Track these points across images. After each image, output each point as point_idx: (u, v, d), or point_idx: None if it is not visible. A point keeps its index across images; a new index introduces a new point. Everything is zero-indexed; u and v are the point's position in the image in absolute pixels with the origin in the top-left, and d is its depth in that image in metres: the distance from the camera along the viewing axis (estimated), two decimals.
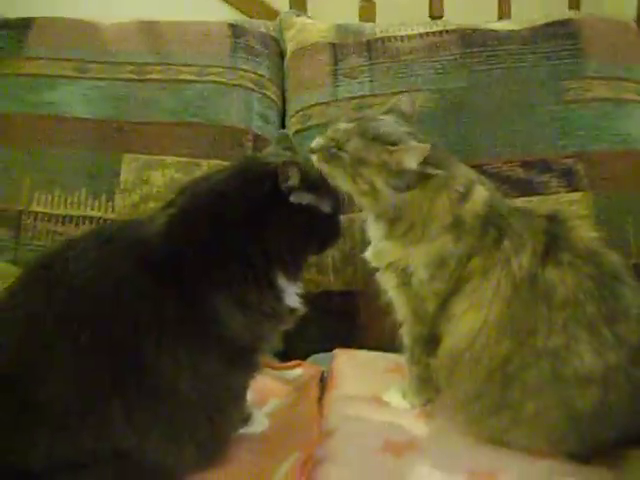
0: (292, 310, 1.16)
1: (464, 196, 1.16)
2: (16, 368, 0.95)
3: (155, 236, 1.06)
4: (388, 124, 1.19)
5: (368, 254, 1.25)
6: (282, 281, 1.11)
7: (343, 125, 1.20)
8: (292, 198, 1.08)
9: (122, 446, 0.95)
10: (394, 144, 1.14)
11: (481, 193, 1.18)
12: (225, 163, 1.63)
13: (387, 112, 1.25)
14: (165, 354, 0.98)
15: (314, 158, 1.17)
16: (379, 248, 1.22)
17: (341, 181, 1.17)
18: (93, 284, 0.99)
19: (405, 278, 1.18)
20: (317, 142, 1.19)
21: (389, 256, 1.20)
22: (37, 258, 1.10)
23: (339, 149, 1.16)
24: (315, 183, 1.12)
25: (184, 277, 1.02)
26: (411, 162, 1.13)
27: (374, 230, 1.23)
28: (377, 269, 1.25)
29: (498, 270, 1.11)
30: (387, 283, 1.23)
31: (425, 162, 1.14)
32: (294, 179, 1.07)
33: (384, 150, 1.14)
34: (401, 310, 1.23)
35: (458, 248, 1.14)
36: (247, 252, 1.07)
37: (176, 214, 1.09)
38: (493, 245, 1.13)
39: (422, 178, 1.15)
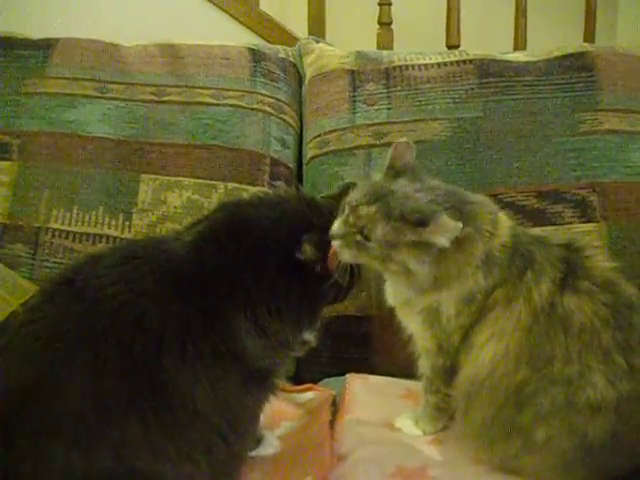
0: (304, 342, 1.17)
1: (493, 233, 1.15)
2: (35, 383, 0.95)
3: (182, 253, 1.07)
4: (408, 197, 1.11)
5: (392, 300, 1.24)
6: (299, 321, 1.13)
7: (364, 210, 1.12)
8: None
9: (137, 465, 0.95)
10: (423, 223, 1.08)
11: (506, 223, 1.19)
12: (241, 186, 1.66)
13: (390, 170, 1.18)
14: (185, 371, 0.99)
15: (335, 244, 1.13)
16: (407, 298, 1.20)
17: (369, 265, 1.16)
18: (116, 299, 0.99)
19: (434, 317, 1.18)
20: (338, 228, 1.13)
21: (419, 305, 1.18)
22: (58, 273, 1.11)
23: (365, 237, 1.11)
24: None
25: (208, 296, 1.03)
26: (444, 241, 1.07)
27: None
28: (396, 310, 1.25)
29: (520, 300, 1.12)
30: (412, 322, 1.23)
31: None
32: (307, 254, 1.10)
33: (414, 232, 1.08)
34: (424, 345, 1.23)
35: (488, 282, 1.14)
36: (269, 289, 1.08)
37: (205, 233, 1.10)
38: (517, 275, 1.13)
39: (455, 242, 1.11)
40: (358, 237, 1.12)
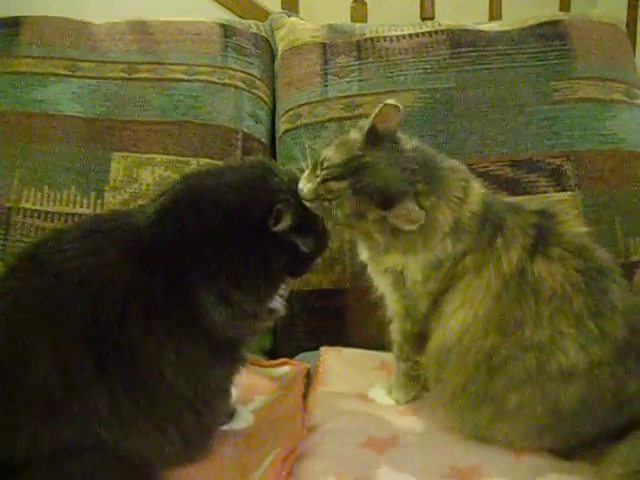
0: (272, 310, 1.17)
1: (462, 200, 1.15)
2: (0, 355, 0.95)
3: (144, 225, 1.07)
4: (380, 173, 1.11)
5: (363, 255, 1.24)
6: (259, 290, 1.12)
7: (334, 185, 1.11)
8: (278, 232, 1.09)
9: (106, 436, 0.95)
10: (390, 204, 1.08)
11: (479, 191, 1.18)
12: (214, 162, 1.65)
13: (371, 133, 1.14)
14: (150, 340, 0.99)
15: (306, 202, 1.13)
16: (375, 256, 1.21)
17: (333, 227, 1.16)
18: (78, 272, 0.99)
19: (400, 279, 1.18)
20: (307, 189, 1.12)
21: (386, 263, 1.19)
22: (24, 248, 1.11)
23: (332, 206, 1.12)
24: (304, 226, 1.13)
25: (171, 266, 1.03)
26: (406, 227, 1.09)
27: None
28: (366, 265, 1.25)
29: (490, 267, 1.11)
30: (380, 281, 1.23)
31: (419, 196, 1.10)
32: (284, 225, 1.09)
33: (380, 212, 1.09)
34: (393, 307, 1.23)
35: (456, 249, 1.14)
36: (230, 258, 1.07)
37: (166, 204, 1.10)
38: (487, 242, 1.13)
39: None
40: (326, 204, 1.12)
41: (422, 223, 1.09)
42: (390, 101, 1.13)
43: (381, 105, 1.13)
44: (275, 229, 1.08)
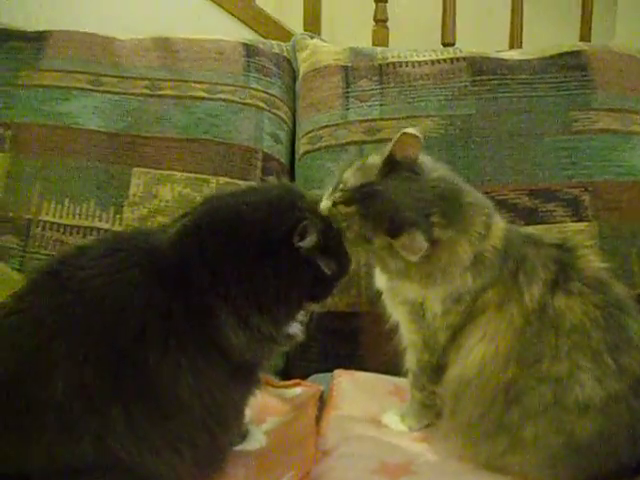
0: (290, 336, 1.17)
1: (484, 235, 1.14)
2: (18, 372, 0.95)
3: (166, 245, 1.08)
4: (390, 201, 1.11)
5: (380, 283, 1.24)
6: (278, 314, 1.12)
7: (344, 209, 1.13)
8: (302, 252, 1.09)
9: (121, 453, 0.95)
10: (396, 234, 1.09)
11: (500, 226, 1.18)
12: (233, 181, 1.66)
13: (389, 162, 1.14)
14: (168, 361, 0.99)
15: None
16: (393, 285, 1.21)
17: (349, 248, 1.17)
18: (99, 291, 1.00)
19: (419, 310, 1.18)
20: (324, 206, 1.15)
21: (406, 293, 1.19)
22: (45, 263, 1.11)
23: (344, 227, 1.14)
24: (328, 246, 1.13)
25: (191, 287, 1.04)
26: (412, 257, 1.08)
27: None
28: (381, 292, 1.25)
29: (513, 302, 1.11)
30: (396, 311, 1.23)
31: (434, 227, 1.10)
32: (309, 242, 1.09)
33: (385, 240, 1.11)
34: (410, 338, 1.23)
35: (477, 284, 1.14)
36: (251, 279, 1.07)
37: (188, 225, 1.10)
38: (509, 277, 1.13)
39: (434, 241, 1.11)
40: (343, 224, 1.14)
41: (441, 260, 1.11)
42: (410, 130, 1.13)
43: (400, 134, 1.13)
44: (300, 245, 1.08)
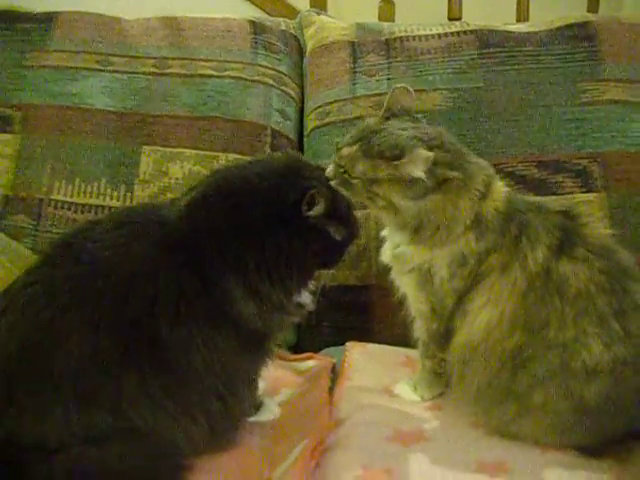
0: (301, 305, 1.18)
1: (484, 194, 1.16)
2: (34, 340, 0.97)
3: (176, 216, 1.09)
4: (391, 134, 1.15)
5: (386, 257, 1.26)
6: (289, 282, 1.13)
7: (346, 149, 1.17)
8: (311, 219, 1.11)
9: (137, 420, 0.97)
10: (399, 157, 1.11)
11: (501, 189, 1.19)
12: (242, 157, 1.67)
13: (387, 113, 1.21)
14: (179, 329, 1.01)
15: (333, 184, 1.17)
16: (400, 252, 1.22)
17: (358, 200, 1.19)
18: (112, 261, 1.02)
19: (427, 277, 1.19)
20: (330, 169, 1.18)
21: (414, 260, 1.20)
22: (59, 237, 1.13)
23: (348, 175, 1.16)
24: (336, 212, 1.14)
25: (200, 258, 1.05)
26: (418, 172, 1.10)
27: (394, 234, 1.23)
28: (390, 268, 1.26)
29: (515, 266, 1.12)
30: (405, 282, 1.24)
31: (438, 165, 1.12)
32: (318, 210, 1.10)
33: (390, 166, 1.12)
34: (419, 307, 1.24)
35: (479, 246, 1.15)
36: (261, 248, 1.09)
37: (197, 197, 1.11)
38: (512, 242, 1.14)
39: (439, 182, 1.13)
40: (345, 175, 1.16)
41: (445, 211, 1.13)
42: (399, 85, 1.21)
43: (391, 89, 1.21)
44: (309, 214, 1.09)
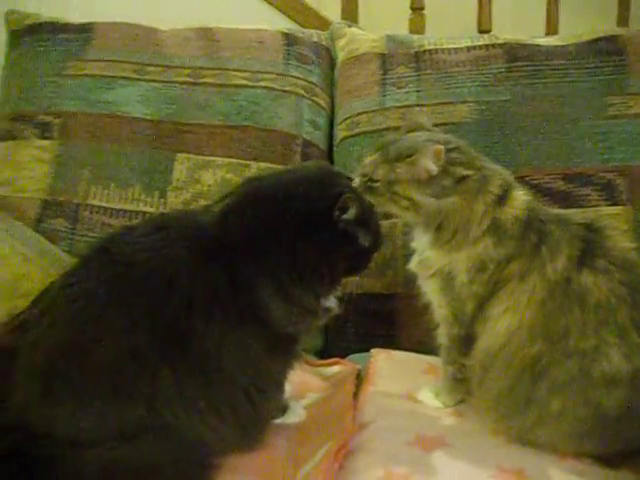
0: (327, 309, 1.21)
1: (501, 199, 1.19)
2: (73, 338, 1.01)
3: (210, 222, 1.13)
4: (407, 140, 1.24)
5: (412, 265, 1.28)
6: (319, 287, 1.16)
7: (368, 159, 1.24)
8: (341, 225, 1.14)
9: (169, 417, 1.01)
10: (414, 152, 1.18)
11: (522, 197, 1.21)
12: (274, 166, 1.71)
13: (404, 130, 1.30)
14: (212, 333, 1.04)
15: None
16: (424, 257, 1.25)
17: (385, 207, 1.23)
18: (147, 265, 1.05)
19: (448, 282, 1.22)
20: (356, 181, 1.23)
21: (435, 264, 1.23)
22: (96, 241, 1.17)
23: (371, 180, 1.21)
24: (365, 219, 1.18)
25: (234, 262, 1.08)
26: (430, 165, 1.16)
27: (420, 241, 1.26)
28: (417, 276, 1.29)
29: (535, 273, 1.14)
30: (429, 288, 1.27)
31: (454, 164, 1.18)
32: (350, 215, 1.14)
33: (406, 164, 1.18)
34: (441, 312, 1.26)
35: (498, 252, 1.17)
36: (293, 253, 1.12)
37: (231, 203, 1.15)
38: (532, 250, 1.16)
39: (457, 183, 1.18)
40: (368, 182, 1.21)
41: (462, 213, 1.18)
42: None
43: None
44: (342, 218, 1.13)
